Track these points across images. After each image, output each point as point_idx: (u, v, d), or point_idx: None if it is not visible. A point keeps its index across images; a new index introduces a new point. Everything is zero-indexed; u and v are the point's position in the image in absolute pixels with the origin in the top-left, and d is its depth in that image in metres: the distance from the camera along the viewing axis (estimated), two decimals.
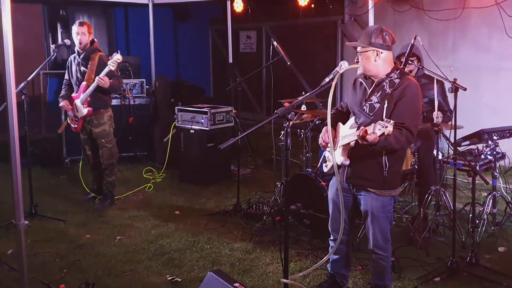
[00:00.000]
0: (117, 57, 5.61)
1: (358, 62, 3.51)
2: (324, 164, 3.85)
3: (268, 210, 5.48)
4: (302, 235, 5.06)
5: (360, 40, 3.43)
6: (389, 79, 3.38)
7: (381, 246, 3.60)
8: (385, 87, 3.37)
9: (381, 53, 3.37)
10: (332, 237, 3.87)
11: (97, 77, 5.56)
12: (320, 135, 3.63)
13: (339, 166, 3.50)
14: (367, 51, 3.39)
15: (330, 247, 3.91)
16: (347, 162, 3.49)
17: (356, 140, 3.23)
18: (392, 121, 3.02)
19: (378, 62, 3.39)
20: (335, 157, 3.44)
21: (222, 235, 5.15)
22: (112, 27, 11.90)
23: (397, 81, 3.35)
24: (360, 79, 3.57)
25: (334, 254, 3.87)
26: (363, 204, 3.59)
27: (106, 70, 5.56)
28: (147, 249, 4.83)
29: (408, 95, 3.31)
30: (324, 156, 4.23)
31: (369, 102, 3.43)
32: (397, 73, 3.39)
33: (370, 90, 3.47)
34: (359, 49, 3.46)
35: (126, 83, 7.82)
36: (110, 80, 5.62)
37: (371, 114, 3.40)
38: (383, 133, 3.00)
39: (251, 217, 5.53)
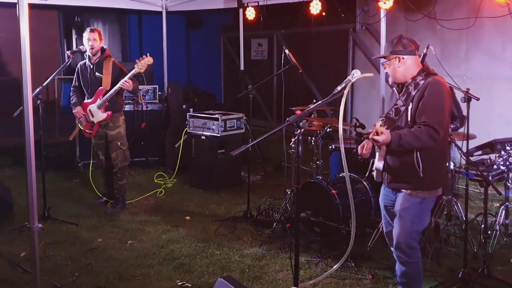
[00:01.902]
0: (147, 60, 5.67)
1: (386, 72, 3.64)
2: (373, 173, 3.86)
3: (278, 217, 5.46)
4: (312, 242, 5.04)
5: (383, 52, 3.55)
6: (414, 81, 3.42)
7: (403, 249, 3.50)
8: (410, 89, 3.42)
9: (403, 58, 3.42)
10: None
11: (121, 80, 5.63)
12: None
13: (381, 171, 3.58)
14: (390, 60, 3.47)
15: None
16: (380, 165, 3.55)
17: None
18: (381, 119, 3.17)
19: (402, 68, 3.44)
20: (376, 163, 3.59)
21: (232, 241, 5.15)
22: (126, 33, 12.00)
23: (421, 82, 3.38)
24: (393, 88, 3.62)
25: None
26: (395, 204, 3.56)
27: (132, 72, 5.65)
28: (157, 254, 4.83)
29: (429, 92, 3.31)
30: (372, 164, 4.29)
31: (395, 107, 3.51)
32: (423, 74, 3.41)
33: (399, 95, 3.52)
34: (383, 60, 3.54)
35: (138, 89, 7.86)
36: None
37: (396, 118, 3.45)
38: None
39: (261, 223, 5.52)
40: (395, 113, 3.48)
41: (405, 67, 3.44)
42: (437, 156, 3.43)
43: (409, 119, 3.36)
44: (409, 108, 3.36)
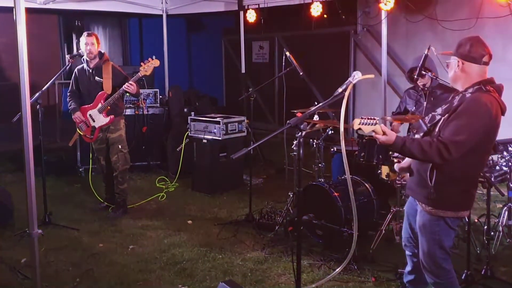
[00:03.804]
0: (153, 62, 5.70)
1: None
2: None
3: (280, 220, 5.46)
4: (315, 245, 5.03)
5: (453, 50, 3.29)
6: (463, 93, 3.19)
7: (429, 269, 3.34)
8: (455, 100, 3.21)
9: (463, 64, 3.20)
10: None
11: (126, 83, 5.65)
12: None
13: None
14: (451, 60, 3.28)
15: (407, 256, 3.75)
16: (396, 168, 3.55)
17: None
18: (374, 120, 3.04)
19: (459, 73, 3.23)
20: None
21: (234, 245, 5.13)
22: (127, 37, 12.04)
23: (468, 95, 3.13)
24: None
25: (410, 273, 3.75)
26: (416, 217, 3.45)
27: (138, 75, 5.69)
28: (159, 258, 4.82)
29: (462, 108, 3.08)
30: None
31: (432, 113, 3.34)
32: (475, 88, 3.14)
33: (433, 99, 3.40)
34: (449, 59, 3.33)
35: (140, 93, 7.88)
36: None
37: (429, 125, 3.29)
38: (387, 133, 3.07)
39: (263, 227, 5.51)
40: (430, 120, 3.30)
41: (464, 74, 3.21)
42: (457, 177, 3.17)
43: (437, 129, 3.20)
44: (443, 118, 3.18)
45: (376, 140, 3.17)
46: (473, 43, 3.19)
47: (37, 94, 5.44)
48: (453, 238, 3.37)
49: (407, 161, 3.54)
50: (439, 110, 3.30)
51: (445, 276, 3.33)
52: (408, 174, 3.51)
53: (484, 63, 3.19)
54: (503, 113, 3.16)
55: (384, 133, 3.12)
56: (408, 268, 3.77)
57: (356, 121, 3.11)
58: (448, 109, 3.19)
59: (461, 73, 3.21)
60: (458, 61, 3.21)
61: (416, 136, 3.42)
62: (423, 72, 4.71)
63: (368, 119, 3.09)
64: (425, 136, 3.30)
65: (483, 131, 3.07)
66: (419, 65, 4.46)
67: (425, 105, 5.11)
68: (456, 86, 3.32)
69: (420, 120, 3.42)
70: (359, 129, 3.13)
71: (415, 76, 4.83)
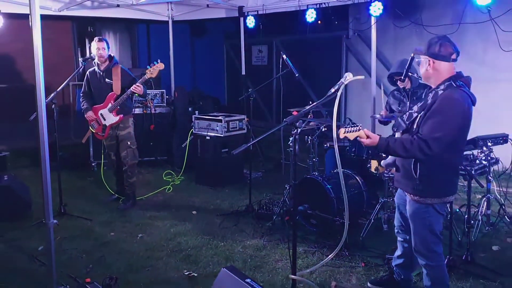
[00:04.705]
0: (159, 65, 5.70)
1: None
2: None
3: (277, 210, 5.46)
4: (309, 234, 5.04)
5: (422, 48, 3.29)
6: (435, 90, 3.20)
7: (421, 252, 3.36)
8: (429, 97, 3.21)
9: (433, 62, 3.20)
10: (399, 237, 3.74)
11: (134, 85, 5.64)
12: None
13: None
14: (422, 59, 3.27)
15: (398, 242, 3.77)
16: (383, 165, 3.58)
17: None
18: (357, 126, 3.08)
19: (430, 71, 3.23)
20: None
21: (235, 234, 5.14)
22: (135, 42, 12.02)
23: (440, 92, 3.14)
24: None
25: (399, 258, 3.78)
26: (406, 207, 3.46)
27: (145, 77, 5.66)
28: (166, 246, 4.83)
29: (437, 104, 3.09)
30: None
31: (409, 111, 3.35)
32: (446, 84, 3.15)
33: (415, 98, 3.40)
34: (419, 58, 3.32)
35: (148, 94, 7.88)
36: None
37: (407, 122, 3.30)
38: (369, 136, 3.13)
39: (262, 217, 5.51)
40: (408, 117, 3.31)
41: (435, 71, 3.21)
42: (440, 168, 3.19)
43: (415, 126, 3.21)
44: (420, 116, 3.19)
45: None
46: (442, 43, 3.20)
47: (52, 95, 5.44)
48: (442, 222, 3.37)
49: (391, 157, 3.55)
50: (415, 108, 3.31)
51: (436, 259, 3.35)
52: (394, 168, 3.53)
53: (452, 60, 3.22)
54: (473, 104, 3.19)
55: (368, 137, 3.17)
56: (398, 252, 3.80)
57: (342, 131, 3.16)
58: (423, 106, 3.21)
59: (433, 71, 3.23)
60: (429, 60, 3.22)
61: (396, 134, 3.43)
62: (410, 74, 4.71)
63: (351, 127, 3.14)
64: (404, 133, 3.32)
65: (458, 125, 3.11)
66: (406, 68, 4.45)
67: (408, 104, 5.12)
68: (428, 82, 3.34)
69: (399, 118, 3.43)
70: (345, 137, 3.16)
71: (402, 78, 4.85)
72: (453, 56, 3.21)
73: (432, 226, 3.29)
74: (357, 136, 3.17)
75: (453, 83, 3.14)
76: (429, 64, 3.22)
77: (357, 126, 3.17)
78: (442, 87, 3.16)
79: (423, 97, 3.40)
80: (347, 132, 3.14)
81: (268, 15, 8.15)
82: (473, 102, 3.18)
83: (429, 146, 3.04)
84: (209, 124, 7.09)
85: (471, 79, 3.25)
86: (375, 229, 5.00)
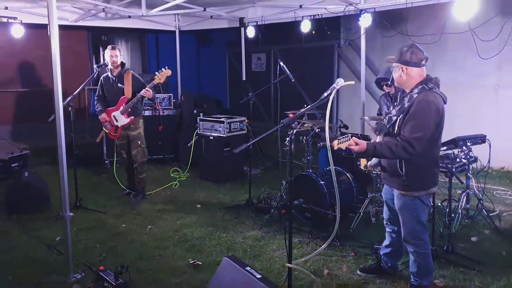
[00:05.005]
0: (166, 72, 5.67)
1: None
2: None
3: (275, 204, 5.45)
4: (304, 226, 5.02)
5: (394, 57, 3.31)
6: (410, 94, 3.21)
7: (410, 241, 3.37)
8: (405, 101, 3.23)
9: (406, 69, 3.22)
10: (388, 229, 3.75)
11: (143, 89, 5.63)
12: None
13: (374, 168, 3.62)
14: (395, 66, 3.29)
15: (386, 232, 3.78)
16: (370, 165, 3.57)
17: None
18: (348, 136, 3.13)
19: (404, 77, 3.25)
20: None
21: (236, 225, 5.13)
22: (145, 50, 12.00)
23: (415, 95, 3.15)
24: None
25: (387, 247, 3.78)
26: (394, 201, 3.46)
27: (154, 83, 5.64)
28: (173, 237, 4.82)
29: (414, 108, 3.10)
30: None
31: (389, 115, 3.36)
32: (419, 87, 3.17)
33: (396, 103, 3.38)
34: (392, 65, 3.34)
35: (156, 97, 7.86)
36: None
37: (388, 126, 3.32)
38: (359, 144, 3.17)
39: (260, 210, 5.50)
40: (388, 121, 3.32)
41: (408, 77, 3.22)
42: (422, 162, 3.22)
43: (396, 128, 3.23)
44: (399, 119, 3.21)
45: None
46: (413, 50, 3.22)
47: (69, 98, 5.42)
48: (427, 213, 3.39)
49: (375, 158, 3.55)
50: (393, 111, 3.32)
51: (424, 246, 3.38)
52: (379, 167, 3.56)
53: (422, 65, 3.24)
54: (445, 102, 3.23)
55: (356, 144, 3.20)
56: (386, 242, 3.80)
57: (335, 142, 3.20)
58: (401, 110, 3.22)
59: (406, 76, 3.25)
60: (402, 67, 3.24)
61: (379, 136, 3.42)
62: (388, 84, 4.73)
63: (343, 138, 3.19)
64: (386, 136, 3.33)
65: (435, 123, 3.13)
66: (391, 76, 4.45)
67: (390, 108, 5.11)
68: (402, 87, 3.36)
69: (380, 121, 3.45)
70: (339, 148, 3.20)
71: (389, 83, 4.85)
72: (423, 62, 3.24)
73: (419, 217, 3.32)
74: (348, 145, 3.21)
75: (425, 86, 3.18)
76: (402, 71, 3.25)
77: (348, 136, 3.22)
78: (416, 90, 3.19)
79: (398, 101, 3.42)
80: (340, 143, 3.19)
81: (267, 26, 8.14)
82: (445, 100, 3.23)
83: (413, 146, 3.07)
84: (213, 125, 7.07)
85: (439, 80, 3.29)
86: (364, 221, 5.00)
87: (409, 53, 3.21)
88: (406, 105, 3.19)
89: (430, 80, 3.22)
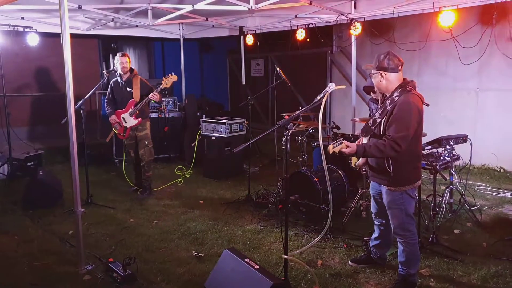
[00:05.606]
0: (172, 77, 5.66)
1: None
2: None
3: (272, 200, 5.44)
4: (299, 219, 5.01)
5: (373, 64, 3.32)
6: (391, 97, 3.23)
7: (399, 233, 3.38)
8: (387, 104, 3.24)
9: (385, 74, 3.24)
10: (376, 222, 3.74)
11: (151, 93, 5.62)
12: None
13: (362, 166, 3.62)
14: (375, 73, 3.30)
15: (375, 225, 3.77)
16: (358, 164, 3.57)
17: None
18: (340, 140, 3.16)
19: (384, 82, 3.26)
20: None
21: (236, 219, 5.12)
22: (152, 56, 11.97)
23: (396, 98, 3.18)
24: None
25: (376, 239, 3.77)
26: (382, 197, 3.45)
27: (160, 87, 5.63)
28: (177, 230, 4.80)
29: (397, 109, 3.12)
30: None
31: (373, 118, 3.37)
32: (399, 90, 3.20)
33: (379, 107, 3.39)
34: (371, 71, 3.35)
35: (162, 100, 7.85)
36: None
37: (373, 127, 3.32)
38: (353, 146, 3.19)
39: (259, 205, 5.49)
40: (373, 123, 3.33)
41: (387, 82, 3.25)
42: (407, 159, 3.22)
43: (381, 130, 3.24)
44: (383, 121, 3.22)
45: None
46: (390, 57, 3.24)
47: (81, 101, 5.40)
48: (414, 205, 3.40)
49: (362, 158, 3.54)
50: (377, 114, 3.33)
51: (412, 237, 3.39)
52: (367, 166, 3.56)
53: (399, 70, 3.26)
54: (423, 102, 3.25)
55: (348, 146, 3.21)
56: (375, 234, 3.79)
57: (330, 147, 3.22)
58: (385, 112, 3.24)
59: (385, 81, 3.27)
60: (381, 73, 3.26)
61: (365, 138, 3.42)
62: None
63: (336, 142, 3.21)
64: (372, 137, 3.33)
65: (416, 122, 3.16)
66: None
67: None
68: (382, 91, 3.37)
69: (366, 124, 3.46)
70: (334, 151, 3.23)
71: (375, 90, 4.84)
72: (400, 67, 3.26)
73: (407, 210, 3.33)
74: (341, 148, 3.22)
75: (404, 88, 3.21)
76: (382, 76, 3.27)
77: (340, 140, 3.23)
78: (396, 93, 3.22)
79: (379, 104, 3.42)
80: (334, 147, 3.21)
81: (265, 34, 8.13)
82: (422, 101, 3.26)
83: (399, 144, 3.10)
84: (214, 126, 7.05)
85: (416, 82, 3.31)
86: (355, 215, 4.98)
87: (386, 60, 3.24)
88: (388, 107, 3.21)
89: (408, 83, 3.25)
